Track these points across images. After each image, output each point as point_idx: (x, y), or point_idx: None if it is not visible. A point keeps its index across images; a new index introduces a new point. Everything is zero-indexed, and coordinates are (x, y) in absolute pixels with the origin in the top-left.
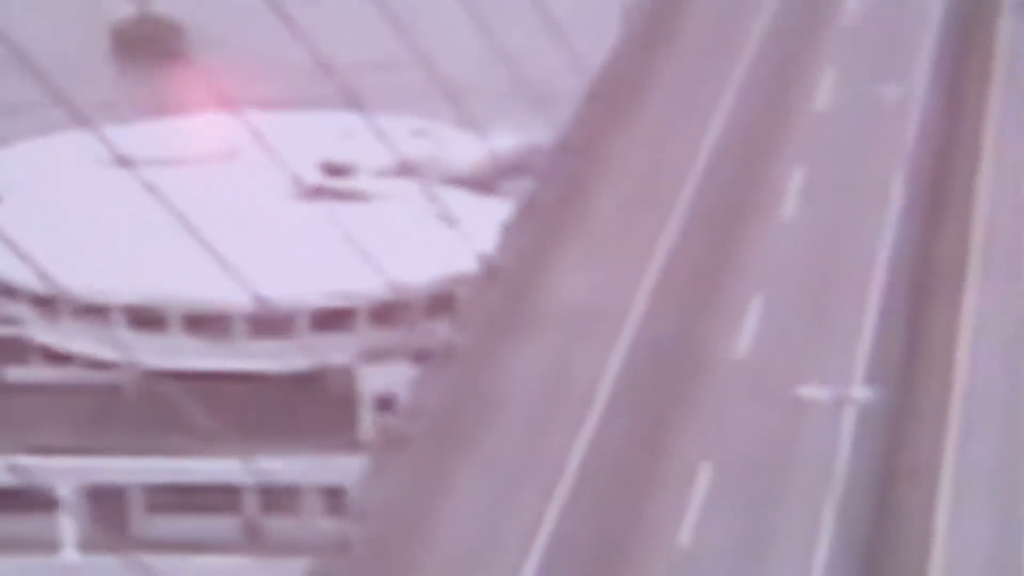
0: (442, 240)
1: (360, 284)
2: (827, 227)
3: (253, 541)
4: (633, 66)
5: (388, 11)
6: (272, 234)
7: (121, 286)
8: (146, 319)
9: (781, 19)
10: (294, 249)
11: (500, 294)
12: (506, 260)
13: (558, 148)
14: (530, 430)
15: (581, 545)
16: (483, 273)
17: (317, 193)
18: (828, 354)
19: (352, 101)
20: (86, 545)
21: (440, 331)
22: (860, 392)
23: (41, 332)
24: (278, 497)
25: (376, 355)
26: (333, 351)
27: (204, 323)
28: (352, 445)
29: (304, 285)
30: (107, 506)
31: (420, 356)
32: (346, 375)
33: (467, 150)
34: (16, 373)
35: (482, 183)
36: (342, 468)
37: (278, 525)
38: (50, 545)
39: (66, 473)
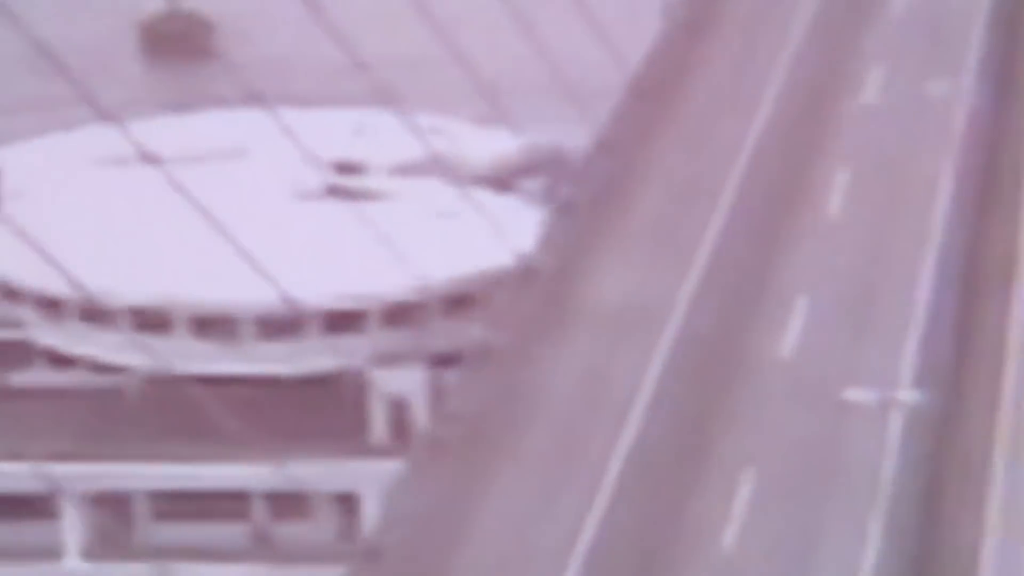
0: (457, 239)
1: (372, 284)
2: (874, 225)
3: (262, 548)
4: (674, 62)
5: (424, 7)
6: (282, 233)
7: (128, 287)
8: (153, 321)
9: (823, 14)
10: (304, 249)
11: (539, 294)
12: (545, 259)
13: (598, 145)
14: (570, 433)
15: (621, 551)
16: (520, 272)
17: (329, 192)
18: (875, 356)
19: (382, 98)
20: (90, 553)
21: (454, 332)
22: (907, 395)
23: (45, 335)
24: (288, 503)
25: (389, 358)
26: (345, 354)
27: (214, 325)
28: (364, 450)
29: (315, 286)
30: (112, 513)
31: (435, 359)
32: (358, 378)
33: (483, 147)
34: (20, 377)
35: (499, 181)
36: (353, 473)
37: (288, 532)
38: (54, 553)
39: (70, 479)
